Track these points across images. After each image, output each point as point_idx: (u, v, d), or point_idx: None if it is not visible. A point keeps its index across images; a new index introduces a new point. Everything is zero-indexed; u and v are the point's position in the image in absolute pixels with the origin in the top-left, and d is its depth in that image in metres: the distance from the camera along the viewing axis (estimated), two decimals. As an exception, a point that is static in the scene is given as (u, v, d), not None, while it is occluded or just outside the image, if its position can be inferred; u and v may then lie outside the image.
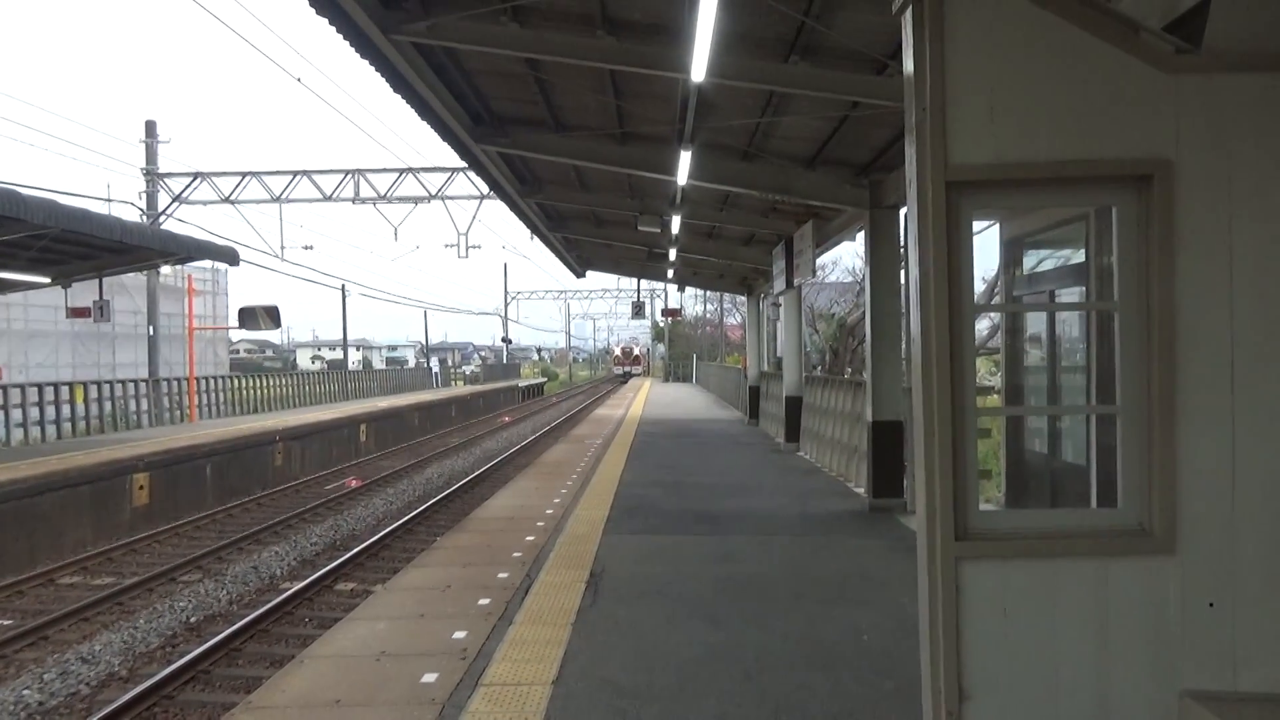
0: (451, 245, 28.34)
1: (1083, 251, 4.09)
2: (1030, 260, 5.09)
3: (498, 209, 25.14)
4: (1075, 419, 4.67)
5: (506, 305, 65.33)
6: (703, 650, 5.08)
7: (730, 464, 13.91)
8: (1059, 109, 2.98)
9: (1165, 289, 2.99)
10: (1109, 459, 3.44)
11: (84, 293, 18.83)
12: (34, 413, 19.35)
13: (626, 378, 75.73)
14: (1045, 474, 5.07)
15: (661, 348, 72.44)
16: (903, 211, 9.81)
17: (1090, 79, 2.98)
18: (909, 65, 3.07)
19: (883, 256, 9.96)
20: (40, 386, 20.11)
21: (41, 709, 6.72)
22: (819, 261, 13.60)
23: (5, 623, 8.88)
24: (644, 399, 33.15)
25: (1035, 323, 5.29)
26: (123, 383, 23.55)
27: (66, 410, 20.31)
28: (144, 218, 24.32)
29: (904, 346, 9.76)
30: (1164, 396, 3.00)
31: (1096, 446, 3.85)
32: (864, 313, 13.54)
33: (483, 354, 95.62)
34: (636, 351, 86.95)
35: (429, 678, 4.71)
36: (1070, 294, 4.78)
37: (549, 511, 9.60)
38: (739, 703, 4.32)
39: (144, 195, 24.93)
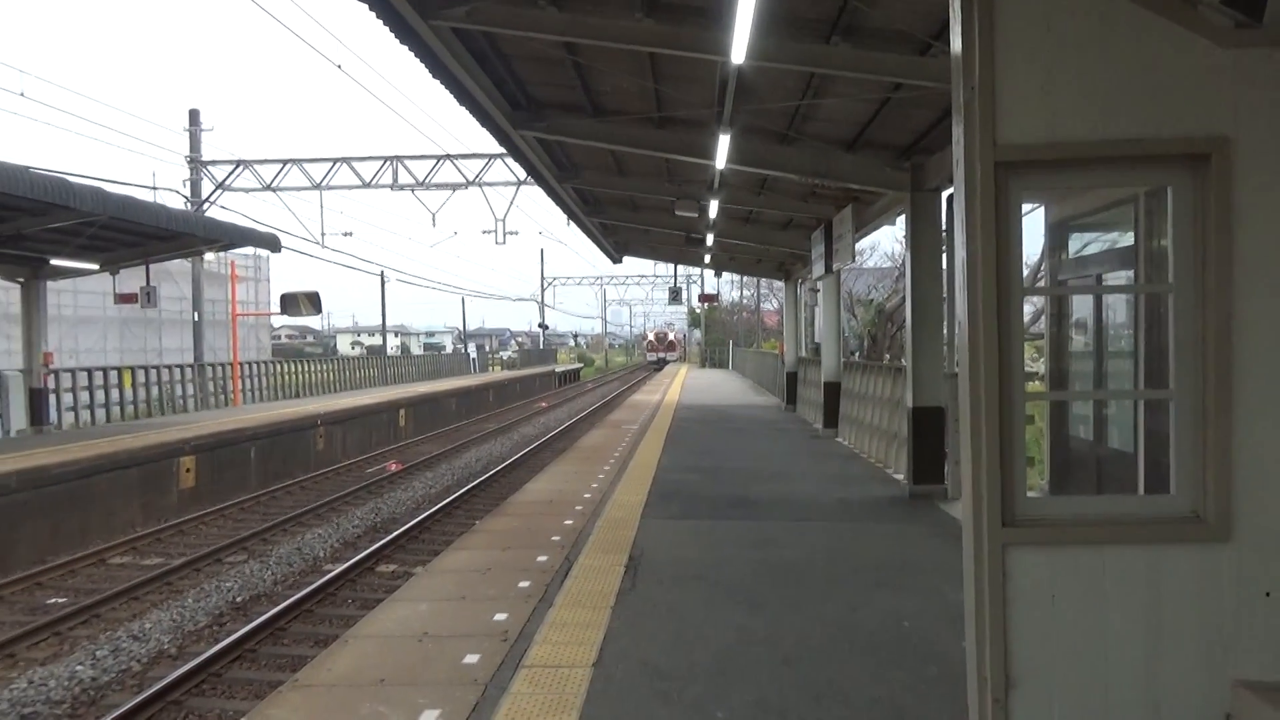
0: (489, 231, 28.51)
1: (1131, 234, 4.01)
2: (1076, 244, 5.00)
3: (535, 195, 25.25)
4: (1121, 405, 4.60)
5: (543, 291, 65.56)
6: (742, 635, 5.08)
7: (768, 450, 13.86)
8: (1113, 86, 2.90)
9: (1222, 271, 2.92)
10: (1157, 445, 3.37)
11: (131, 279, 19.22)
12: (84, 397, 19.82)
13: (660, 365, 69.77)
14: (1090, 461, 4.99)
15: (698, 333, 72.05)
16: (945, 195, 9.68)
17: (1145, 54, 2.91)
18: (956, 43, 3.01)
19: (924, 240, 9.84)
20: (90, 371, 20.59)
21: (95, 684, 6.90)
22: (858, 246, 13.46)
23: (60, 600, 9.13)
24: (680, 385, 33.13)
25: (1080, 308, 5.20)
26: (169, 367, 24.03)
27: (115, 394, 20.78)
28: (188, 205, 24.73)
29: (945, 331, 9.65)
30: (1219, 381, 2.93)
31: (1145, 433, 3.78)
32: (904, 298, 13.39)
33: (519, 340, 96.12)
34: (671, 336, 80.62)
35: (471, 659, 4.76)
36: (1117, 278, 4.70)
37: (587, 496, 9.63)
38: (779, 687, 4.32)
39: (188, 183, 25.36)
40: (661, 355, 76.20)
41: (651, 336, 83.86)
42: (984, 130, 2.91)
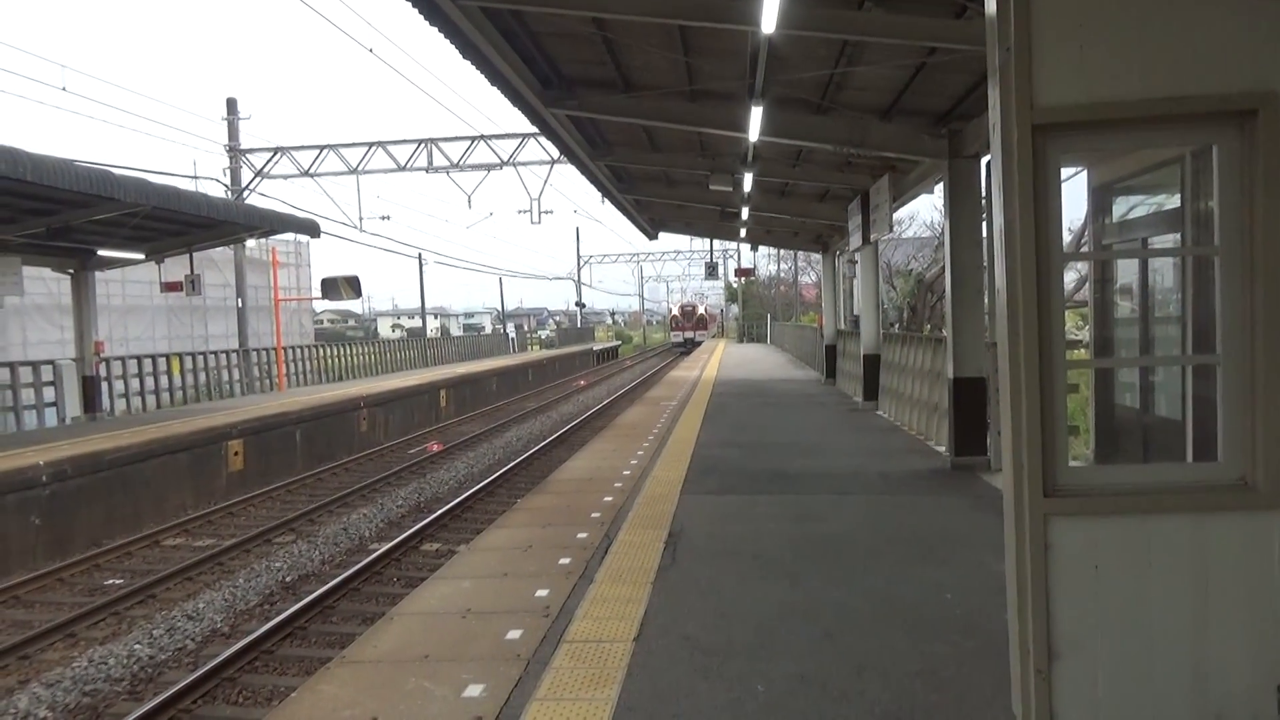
0: (524, 211, 28.52)
1: (1177, 196, 3.90)
2: (1120, 208, 4.88)
3: (569, 173, 25.27)
4: (1168, 372, 4.49)
5: (580, 270, 65.65)
6: (782, 609, 5.08)
7: (807, 424, 13.79)
8: (1154, 42, 2.81)
9: (1271, 230, 2.83)
10: (1206, 412, 3.29)
11: (175, 268, 19.57)
12: (134, 384, 20.28)
13: (689, 347, 56.50)
14: (1137, 429, 4.90)
15: (735, 308, 71.14)
16: (984, 161, 9.49)
17: (1186, 8, 2.81)
18: (991, 4, 2.93)
19: (963, 208, 9.67)
20: (139, 359, 21.03)
21: (152, 662, 7.11)
22: (896, 216, 13.25)
23: (117, 581, 9.40)
24: (718, 360, 33.05)
25: (1125, 273, 5.09)
26: (215, 354, 24.46)
27: (164, 381, 21.23)
28: (228, 193, 25.07)
29: (987, 300, 9.50)
30: (1269, 344, 2.85)
31: (1193, 399, 3.70)
32: (943, 267, 13.20)
33: (557, 319, 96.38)
34: (702, 309, 65.89)
35: (513, 634, 4.81)
36: (1164, 241, 4.58)
37: (626, 473, 9.66)
38: (820, 661, 4.31)
39: (227, 171, 25.69)
40: (689, 334, 62.64)
41: (676, 311, 66.73)
42: (1020, 93, 2.84)
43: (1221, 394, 3.01)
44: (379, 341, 46.17)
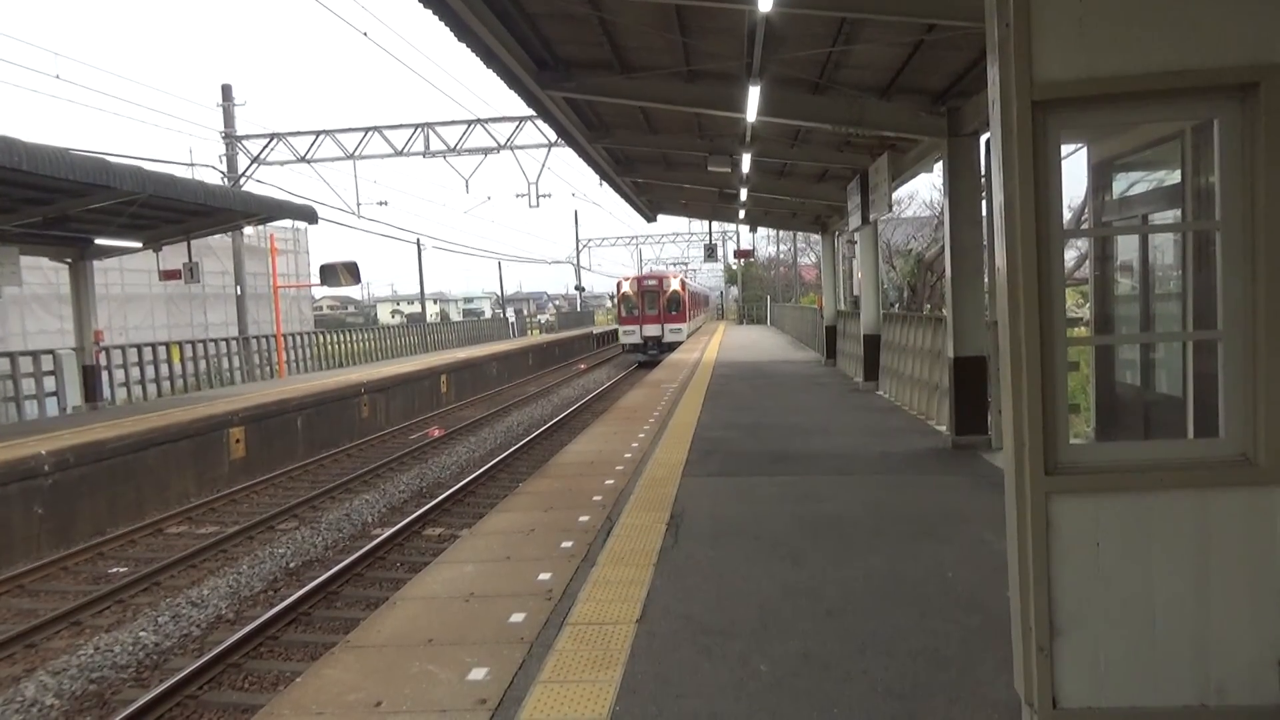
0: (522, 195, 28.45)
1: (1178, 172, 3.89)
2: (1120, 184, 4.86)
3: (567, 156, 25.10)
4: (1170, 349, 4.49)
5: (578, 253, 65.50)
6: (785, 589, 5.09)
7: (808, 404, 13.80)
8: (1154, 15, 2.78)
9: (1272, 205, 2.81)
10: (1207, 388, 3.29)
11: (174, 256, 19.51)
12: (134, 372, 20.28)
13: (654, 353, 34.16)
14: (1138, 406, 4.89)
15: (735, 290, 71.01)
16: (983, 139, 9.45)
17: (1188, -19, 2.78)
18: (990, -22, 2.91)
19: (962, 187, 9.64)
20: (139, 347, 21.03)
21: (158, 649, 7.14)
22: (895, 196, 13.19)
23: (121, 570, 9.43)
24: (718, 343, 33.02)
25: (1126, 250, 5.07)
26: (215, 341, 24.46)
27: (164, 369, 21.23)
28: (225, 180, 24.98)
29: (987, 279, 9.48)
30: (1270, 319, 2.84)
31: (1194, 376, 3.70)
32: (943, 247, 13.16)
33: (557, 303, 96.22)
34: (676, 284, 38.01)
35: (517, 617, 4.83)
36: (1164, 218, 4.56)
37: (627, 456, 9.67)
38: (822, 640, 4.33)
39: (224, 158, 25.59)
40: (655, 330, 36.45)
41: (628, 288, 37.57)
42: (1019, 69, 2.82)
43: (1223, 370, 3.00)
44: (379, 327, 46.11)
